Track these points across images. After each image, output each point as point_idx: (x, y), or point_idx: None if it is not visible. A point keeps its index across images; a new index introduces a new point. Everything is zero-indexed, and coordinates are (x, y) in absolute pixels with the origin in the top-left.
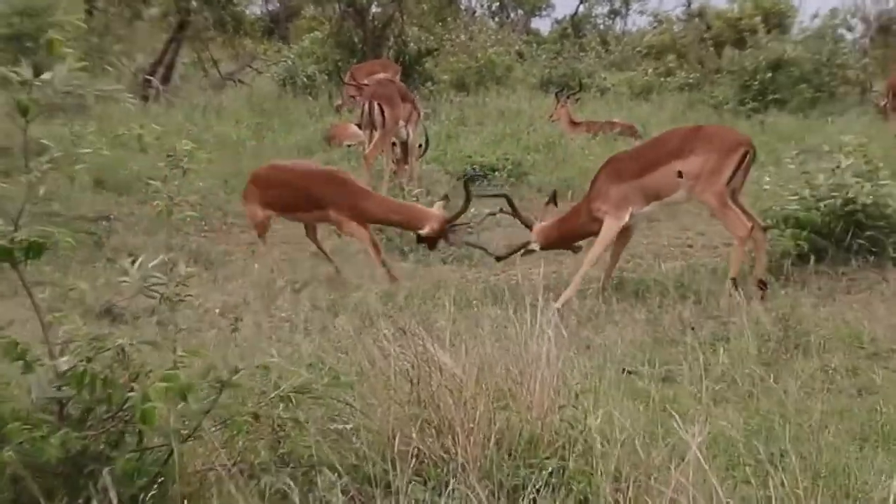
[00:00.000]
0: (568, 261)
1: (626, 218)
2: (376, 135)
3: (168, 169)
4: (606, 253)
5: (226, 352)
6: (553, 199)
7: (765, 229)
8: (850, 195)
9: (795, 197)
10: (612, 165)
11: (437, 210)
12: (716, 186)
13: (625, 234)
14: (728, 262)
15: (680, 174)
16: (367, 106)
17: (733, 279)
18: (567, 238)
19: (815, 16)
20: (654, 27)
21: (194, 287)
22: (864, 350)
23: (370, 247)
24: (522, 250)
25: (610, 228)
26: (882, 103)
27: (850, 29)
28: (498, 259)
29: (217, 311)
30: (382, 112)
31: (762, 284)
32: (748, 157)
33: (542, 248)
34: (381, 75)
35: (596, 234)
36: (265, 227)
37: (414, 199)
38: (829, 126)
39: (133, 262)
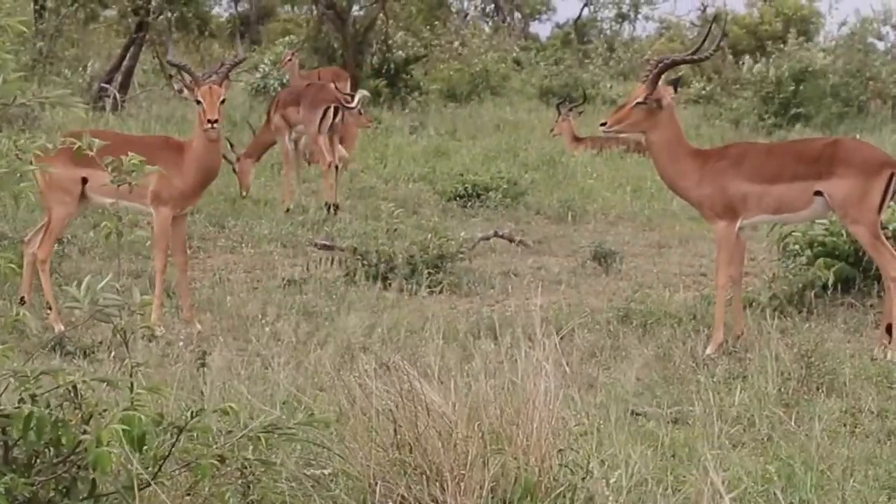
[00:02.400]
0: (569, 291)
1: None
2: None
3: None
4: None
5: (191, 389)
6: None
7: None
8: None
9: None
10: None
11: None
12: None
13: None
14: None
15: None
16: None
17: (888, 325)
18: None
19: (844, 23)
20: (662, 33)
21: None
22: (894, 390)
23: None
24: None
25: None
26: None
27: (880, 38)
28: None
29: (181, 343)
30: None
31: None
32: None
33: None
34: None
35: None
36: None
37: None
38: None
39: (79, 286)
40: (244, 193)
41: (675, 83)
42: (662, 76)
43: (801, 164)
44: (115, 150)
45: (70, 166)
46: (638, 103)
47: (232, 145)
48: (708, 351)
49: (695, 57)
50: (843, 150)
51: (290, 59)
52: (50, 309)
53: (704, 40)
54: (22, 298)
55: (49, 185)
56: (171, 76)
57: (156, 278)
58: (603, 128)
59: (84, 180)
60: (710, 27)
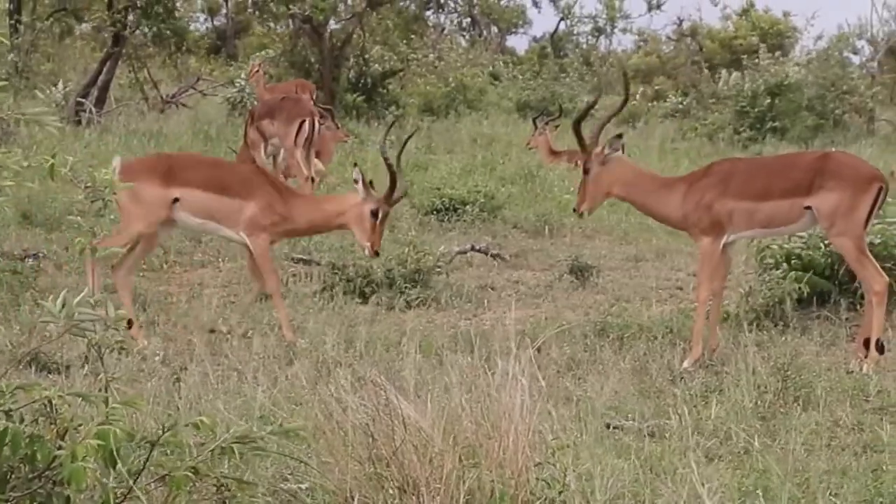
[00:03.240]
0: (546, 304)
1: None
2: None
3: (89, 202)
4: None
5: (166, 403)
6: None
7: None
8: None
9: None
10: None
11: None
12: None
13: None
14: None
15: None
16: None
17: (878, 341)
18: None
19: (820, 37)
20: (640, 47)
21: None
22: (870, 403)
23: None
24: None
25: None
26: None
27: (855, 52)
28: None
29: (157, 358)
30: (312, 128)
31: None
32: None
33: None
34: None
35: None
36: None
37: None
38: None
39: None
40: None
41: (618, 137)
42: (600, 138)
43: (791, 179)
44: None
45: (160, 185)
46: (584, 177)
47: None
48: (685, 365)
49: (617, 111)
50: (834, 163)
51: (257, 70)
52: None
53: (625, 101)
54: (129, 321)
55: (134, 201)
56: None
57: (274, 299)
58: (578, 216)
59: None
60: (625, 80)
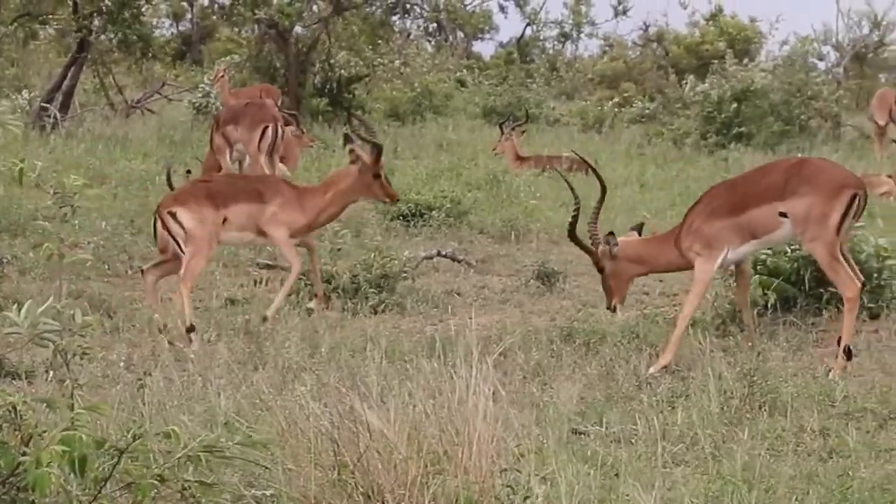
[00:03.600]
0: (512, 310)
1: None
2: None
3: (56, 208)
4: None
5: (131, 410)
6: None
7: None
8: None
9: None
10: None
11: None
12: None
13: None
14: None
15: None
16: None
17: (846, 347)
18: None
19: (785, 43)
20: (606, 52)
21: (96, 338)
22: (836, 409)
23: None
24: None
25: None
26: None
27: (821, 58)
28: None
29: (122, 364)
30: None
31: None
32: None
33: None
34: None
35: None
36: None
37: None
38: None
39: (20, 309)
40: None
41: (612, 235)
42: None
43: (765, 185)
44: None
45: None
46: (600, 273)
47: (189, 172)
48: (652, 370)
49: (600, 202)
50: (808, 168)
51: (222, 76)
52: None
53: (603, 191)
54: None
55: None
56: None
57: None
58: (612, 311)
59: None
60: (596, 173)
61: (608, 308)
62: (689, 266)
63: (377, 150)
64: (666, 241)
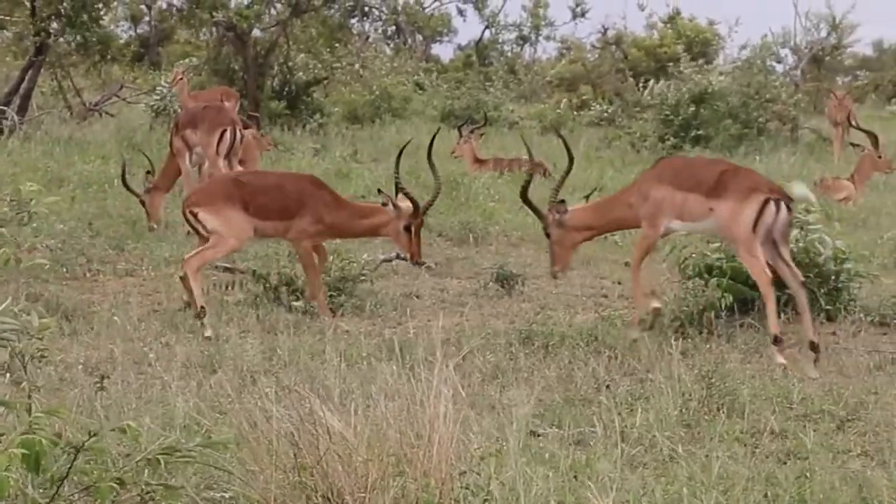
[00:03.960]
0: (471, 313)
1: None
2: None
3: (13, 213)
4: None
5: (89, 412)
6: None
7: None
8: None
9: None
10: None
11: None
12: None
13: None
14: None
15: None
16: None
17: (775, 337)
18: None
19: (744, 46)
20: (564, 55)
21: (53, 341)
22: (794, 411)
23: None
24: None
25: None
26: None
27: (779, 60)
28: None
29: (80, 367)
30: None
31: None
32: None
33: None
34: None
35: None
36: None
37: None
38: (756, 165)
39: None
40: (153, 227)
41: (562, 203)
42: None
43: (704, 178)
44: None
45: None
46: (548, 238)
47: (149, 172)
48: (633, 335)
49: (565, 175)
50: (730, 176)
51: (180, 78)
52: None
53: (570, 165)
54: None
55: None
56: None
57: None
58: (555, 277)
59: None
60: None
61: (551, 274)
62: (636, 224)
63: (417, 209)
64: (614, 202)
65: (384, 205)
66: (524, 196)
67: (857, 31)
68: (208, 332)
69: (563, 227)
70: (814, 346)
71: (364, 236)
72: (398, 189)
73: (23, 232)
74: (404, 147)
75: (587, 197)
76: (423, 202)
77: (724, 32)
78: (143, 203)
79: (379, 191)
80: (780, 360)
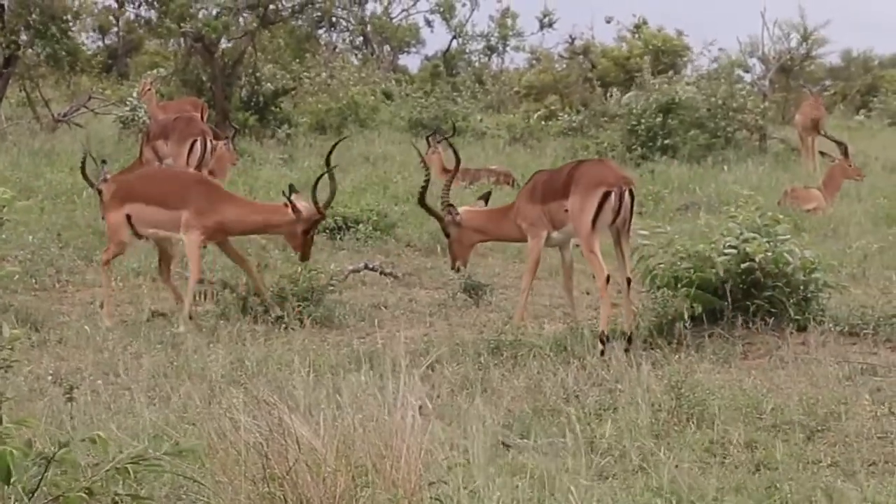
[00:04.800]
0: (439, 323)
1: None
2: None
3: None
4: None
5: (59, 423)
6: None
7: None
8: (748, 251)
9: (684, 255)
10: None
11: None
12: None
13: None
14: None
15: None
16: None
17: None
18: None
19: (716, 59)
20: (533, 65)
21: (23, 351)
22: (763, 421)
23: None
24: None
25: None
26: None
27: (747, 70)
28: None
29: (49, 378)
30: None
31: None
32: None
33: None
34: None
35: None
36: None
37: None
38: (724, 175)
39: None
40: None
41: (486, 197)
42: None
43: (559, 184)
44: None
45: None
46: (446, 237)
47: (104, 162)
48: (515, 319)
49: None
50: (579, 170)
51: (148, 89)
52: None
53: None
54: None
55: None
56: None
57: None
58: (456, 271)
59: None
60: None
61: (452, 268)
62: (523, 238)
63: (319, 219)
64: (503, 214)
65: (286, 205)
66: (422, 201)
67: (827, 41)
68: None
69: (459, 226)
70: (602, 340)
71: (259, 233)
72: (292, 191)
73: None
74: (333, 147)
75: (485, 199)
76: (319, 206)
77: (695, 45)
78: (99, 193)
79: (283, 193)
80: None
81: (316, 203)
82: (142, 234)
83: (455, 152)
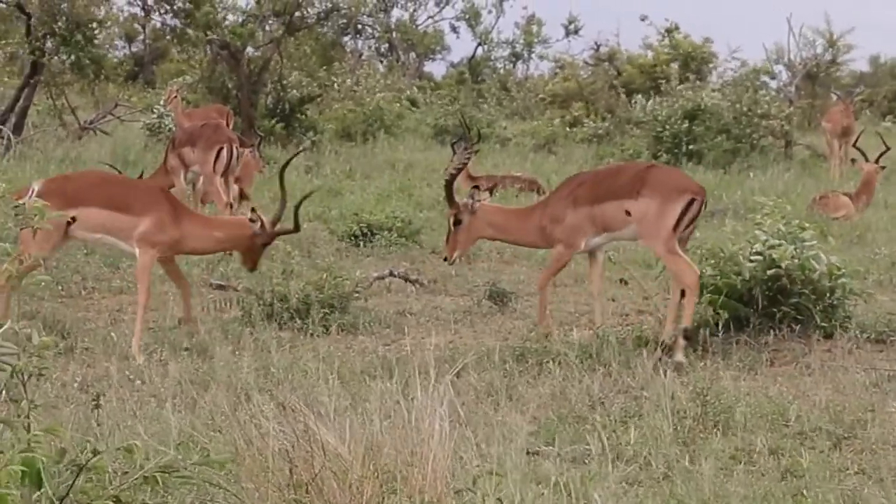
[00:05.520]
0: (465, 330)
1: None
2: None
3: (16, 229)
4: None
5: (85, 430)
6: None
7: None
8: (774, 258)
9: (710, 262)
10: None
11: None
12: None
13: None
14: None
15: (628, 213)
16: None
17: (685, 329)
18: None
19: (743, 65)
20: (557, 73)
21: (50, 358)
22: (789, 429)
23: None
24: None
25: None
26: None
27: (773, 77)
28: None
29: (76, 385)
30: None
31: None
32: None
33: (473, 231)
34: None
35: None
36: None
37: None
38: (749, 181)
39: None
40: None
41: (491, 190)
42: (454, 188)
43: (616, 185)
44: None
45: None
46: (455, 224)
47: (110, 165)
48: (539, 326)
49: (465, 161)
50: (653, 174)
51: (174, 96)
52: None
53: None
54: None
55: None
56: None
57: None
58: (447, 261)
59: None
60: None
61: (445, 260)
62: (540, 246)
63: (280, 233)
64: (526, 216)
65: (252, 221)
66: (449, 184)
67: (853, 47)
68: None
69: (473, 215)
70: (686, 336)
71: (220, 250)
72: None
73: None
74: (288, 161)
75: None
76: (270, 219)
77: (721, 52)
78: None
79: (252, 209)
80: (679, 355)
81: (296, 218)
82: None
83: (472, 130)
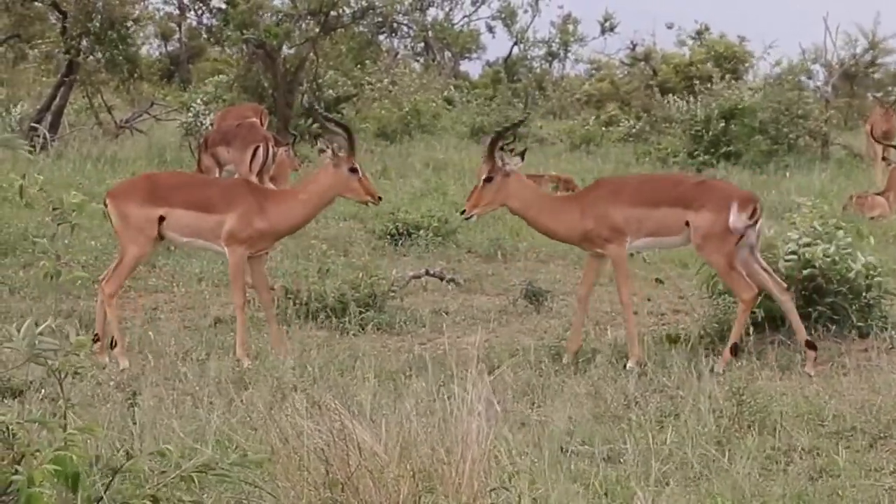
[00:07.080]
0: (501, 329)
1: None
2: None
3: (55, 225)
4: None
5: (121, 428)
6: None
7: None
8: (808, 257)
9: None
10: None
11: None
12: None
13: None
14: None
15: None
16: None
17: (734, 344)
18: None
19: (779, 62)
20: (592, 74)
21: (86, 357)
22: (825, 428)
23: None
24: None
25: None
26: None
27: (810, 76)
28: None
29: (112, 383)
30: (266, 154)
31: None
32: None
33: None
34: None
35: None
36: None
37: None
38: (786, 181)
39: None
40: None
41: (522, 154)
42: (497, 148)
43: (677, 193)
44: None
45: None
46: (485, 181)
47: None
48: (629, 365)
49: (517, 124)
50: (708, 187)
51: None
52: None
53: (526, 108)
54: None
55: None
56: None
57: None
58: (464, 216)
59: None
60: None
61: (461, 213)
62: (560, 236)
63: (349, 137)
64: (562, 204)
65: (321, 151)
66: (495, 141)
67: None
68: (125, 363)
69: (506, 178)
70: (733, 351)
71: (321, 207)
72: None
73: (57, 247)
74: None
75: (521, 156)
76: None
77: (757, 50)
78: None
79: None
80: (723, 366)
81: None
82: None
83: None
